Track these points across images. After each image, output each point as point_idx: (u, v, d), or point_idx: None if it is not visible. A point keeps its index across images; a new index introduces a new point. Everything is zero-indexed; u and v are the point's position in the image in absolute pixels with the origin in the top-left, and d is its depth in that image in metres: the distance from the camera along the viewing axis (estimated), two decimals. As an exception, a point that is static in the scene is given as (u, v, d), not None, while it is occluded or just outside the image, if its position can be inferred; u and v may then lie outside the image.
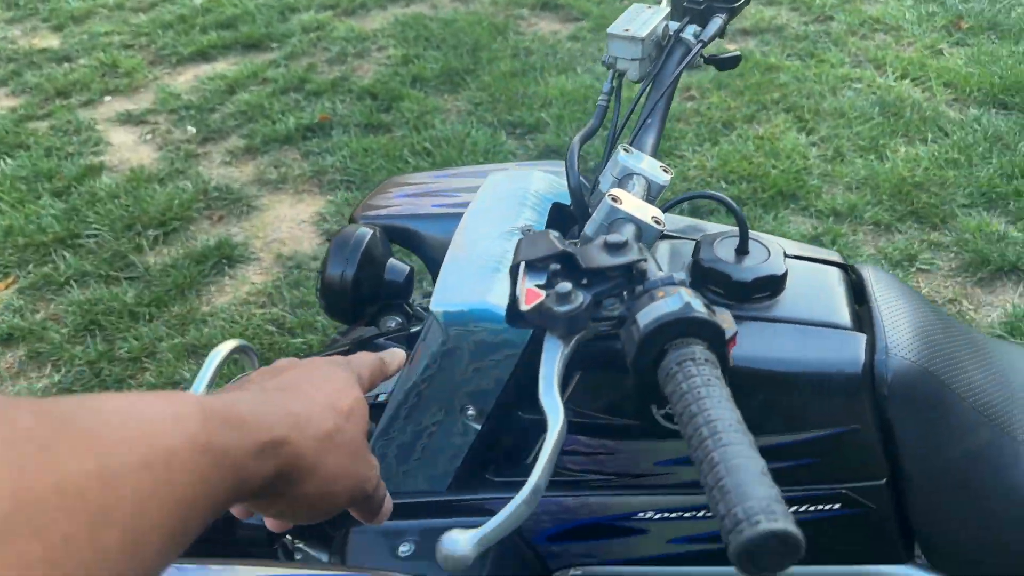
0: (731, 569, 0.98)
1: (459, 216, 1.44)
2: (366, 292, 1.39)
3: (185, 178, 3.52)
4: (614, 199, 0.90)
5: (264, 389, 0.58)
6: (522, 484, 0.99)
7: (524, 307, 0.71)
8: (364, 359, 0.70)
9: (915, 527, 0.95)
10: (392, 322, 1.46)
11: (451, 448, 1.02)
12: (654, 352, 0.64)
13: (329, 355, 0.69)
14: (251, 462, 0.48)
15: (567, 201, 1.16)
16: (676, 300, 0.65)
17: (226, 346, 1.52)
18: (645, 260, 0.72)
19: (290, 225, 3.27)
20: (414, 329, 1.45)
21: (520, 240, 0.80)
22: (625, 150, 1.03)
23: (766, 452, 0.59)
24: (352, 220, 1.55)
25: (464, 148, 3.53)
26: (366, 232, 1.39)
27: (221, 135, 3.84)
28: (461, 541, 0.61)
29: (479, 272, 0.98)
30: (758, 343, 0.90)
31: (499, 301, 0.94)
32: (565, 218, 1.13)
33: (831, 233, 2.95)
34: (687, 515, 0.98)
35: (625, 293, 0.73)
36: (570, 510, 1.02)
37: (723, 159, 3.37)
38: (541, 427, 0.81)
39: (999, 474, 0.92)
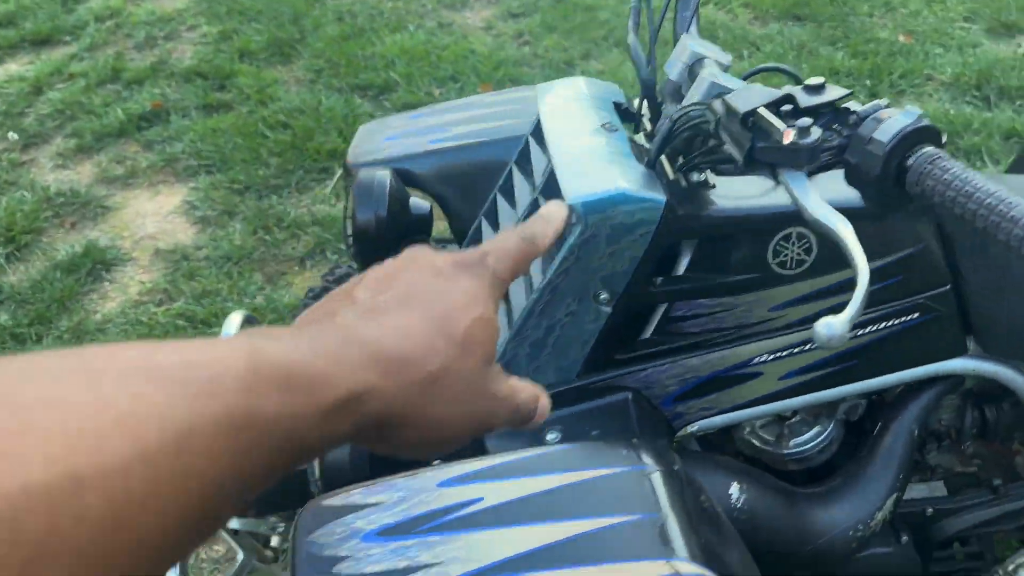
0: (835, 392, 1.14)
1: (459, 148, 1.50)
2: (395, 232, 1.41)
3: (19, 188, 3.20)
4: (712, 74, 1.01)
5: (358, 316, 0.46)
6: (645, 356, 1.09)
7: (785, 142, 0.79)
8: (506, 246, 0.54)
9: (973, 321, 1.15)
10: (417, 259, 1.49)
11: (583, 336, 1.09)
12: (896, 161, 0.76)
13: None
14: (317, 425, 0.39)
15: (619, 99, 1.25)
16: (907, 116, 0.77)
17: (235, 319, 1.49)
18: (850, 94, 0.84)
19: (156, 219, 3.08)
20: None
21: (723, 98, 0.88)
22: (688, 38, 1.14)
23: (871, 274, 0.74)
24: (346, 169, 1.55)
25: (321, 116, 3.46)
26: (386, 174, 1.40)
27: (43, 138, 3.51)
28: (836, 324, 0.70)
29: (598, 164, 1.05)
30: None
31: (629, 185, 1.02)
32: (623, 115, 1.23)
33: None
34: (796, 351, 1.13)
35: (837, 125, 0.84)
36: (693, 369, 1.13)
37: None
38: (660, 300, 0.92)
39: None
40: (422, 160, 1.51)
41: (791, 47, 3.81)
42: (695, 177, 1.07)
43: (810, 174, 0.83)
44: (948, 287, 1.12)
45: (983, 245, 1.11)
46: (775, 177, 0.86)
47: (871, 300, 1.00)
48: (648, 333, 1.12)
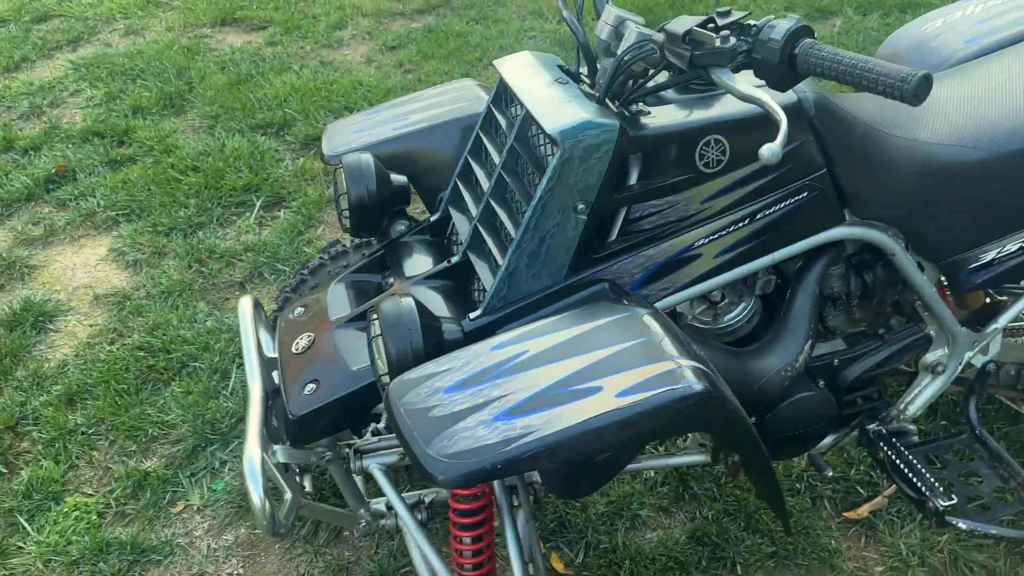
0: (751, 265, 1.49)
1: (420, 132, 1.79)
2: (382, 203, 1.69)
3: (-64, 259, 3.23)
4: (637, 27, 1.36)
5: None
6: (614, 253, 1.41)
7: (716, 45, 1.14)
8: None
9: (846, 194, 1.53)
10: (401, 226, 1.76)
11: (567, 242, 1.40)
12: (788, 51, 1.12)
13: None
14: None
15: (560, 63, 1.58)
16: (790, 20, 1.13)
17: (245, 303, 1.72)
18: (749, 14, 1.20)
19: (87, 270, 3.18)
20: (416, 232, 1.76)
21: (664, 27, 1.23)
22: (610, 7, 1.48)
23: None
24: (325, 161, 1.81)
25: (227, 156, 3.65)
26: (368, 156, 1.69)
27: (-53, 211, 3.53)
28: (774, 147, 1.04)
29: (563, 105, 1.37)
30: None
31: (590, 116, 1.34)
32: (565, 74, 1.55)
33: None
34: (724, 232, 1.47)
35: (743, 36, 1.19)
36: (651, 257, 1.45)
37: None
38: (620, 204, 1.26)
39: (881, 146, 1.53)
40: (391, 144, 1.80)
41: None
42: (633, 108, 1.41)
43: (732, 71, 1.18)
44: (824, 170, 1.50)
45: (846, 134, 1.50)
46: (708, 77, 1.21)
47: (770, 186, 1.37)
48: (614, 235, 1.45)
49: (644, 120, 1.39)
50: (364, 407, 1.47)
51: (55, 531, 2.18)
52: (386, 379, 1.31)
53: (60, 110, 4.22)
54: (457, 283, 1.57)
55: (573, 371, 1.15)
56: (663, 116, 1.40)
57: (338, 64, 4.46)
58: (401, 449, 1.65)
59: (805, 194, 1.50)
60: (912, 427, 1.87)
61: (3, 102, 4.32)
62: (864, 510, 2.10)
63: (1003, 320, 1.81)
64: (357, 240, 2.07)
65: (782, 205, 1.49)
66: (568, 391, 1.12)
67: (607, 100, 1.41)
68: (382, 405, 1.49)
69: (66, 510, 2.24)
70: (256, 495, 1.35)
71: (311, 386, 1.48)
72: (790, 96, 1.46)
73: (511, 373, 1.16)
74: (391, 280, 1.75)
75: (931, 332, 1.77)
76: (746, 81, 1.21)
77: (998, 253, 1.66)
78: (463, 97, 1.89)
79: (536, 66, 1.53)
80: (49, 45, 4.86)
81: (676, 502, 2.18)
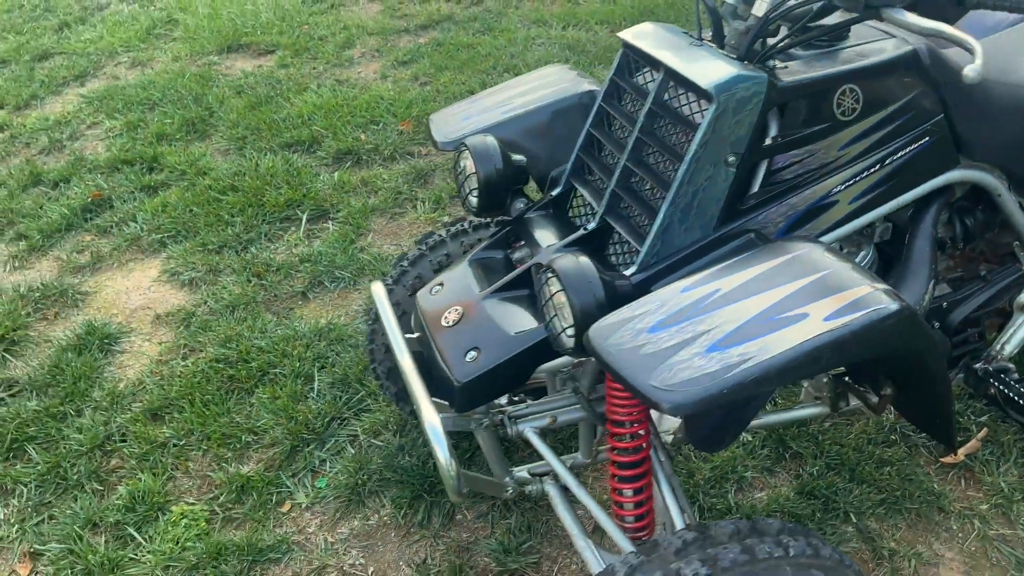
0: (885, 207, 1.57)
1: (527, 114, 1.86)
2: (507, 180, 1.75)
3: (-13, 292, 3.21)
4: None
5: None
6: (759, 204, 1.48)
7: None
8: None
9: (961, 138, 1.63)
10: (521, 203, 1.82)
11: (717, 195, 1.47)
12: None
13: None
14: None
15: (680, 30, 1.66)
16: None
17: (378, 289, 1.78)
18: None
19: (141, 292, 3.19)
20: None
21: None
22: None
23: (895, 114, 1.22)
24: (439, 148, 1.87)
25: (263, 174, 3.68)
26: (491, 137, 1.74)
27: (-13, 246, 3.51)
28: (975, 67, 1.12)
29: (709, 62, 1.45)
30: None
31: (741, 70, 1.42)
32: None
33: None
34: (860, 177, 1.56)
35: None
36: (793, 206, 1.53)
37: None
38: (766, 155, 1.35)
39: (988, 93, 1.63)
40: (501, 127, 1.86)
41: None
42: (770, 64, 1.49)
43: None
44: (941, 115, 1.60)
45: (958, 81, 1.60)
46: (880, 16, 1.29)
47: (897, 132, 1.46)
48: (756, 187, 1.52)
49: (784, 74, 1.47)
50: (527, 369, 1.53)
51: (167, 539, 2.19)
52: (570, 332, 1.37)
53: (81, 142, 4.22)
54: (591, 249, 1.63)
55: (775, 301, 1.21)
56: (800, 70, 1.48)
57: (354, 81, 4.52)
58: (551, 412, 1.71)
59: (927, 139, 1.59)
60: (1011, 365, 1.96)
61: (20, 139, 4.31)
62: (961, 454, 2.18)
63: None
64: (454, 227, 2.12)
65: (908, 150, 1.58)
66: (775, 319, 1.18)
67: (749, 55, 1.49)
68: (546, 366, 1.54)
69: (173, 519, 2.25)
70: (443, 458, 1.40)
71: (472, 353, 1.52)
72: (906, 46, 1.55)
73: (711, 309, 1.23)
74: (518, 255, 1.80)
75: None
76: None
77: None
78: (560, 80, 1.96)
79: (664, 33, 1.60)
80: (56, 81, 4.86)
81: (778, 462, 2.25)
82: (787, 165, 1.52)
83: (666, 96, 1.55)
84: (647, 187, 1.56)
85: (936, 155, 1.62)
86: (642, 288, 1.45)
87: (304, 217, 3.43)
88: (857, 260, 1.72)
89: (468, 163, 1.75)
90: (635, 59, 1.65)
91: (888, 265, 1.76)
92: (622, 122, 1.65)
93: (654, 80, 1.57)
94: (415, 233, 3.34)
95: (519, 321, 1.55)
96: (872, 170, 1.56)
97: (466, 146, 1.74)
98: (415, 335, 1.75)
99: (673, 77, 1.51)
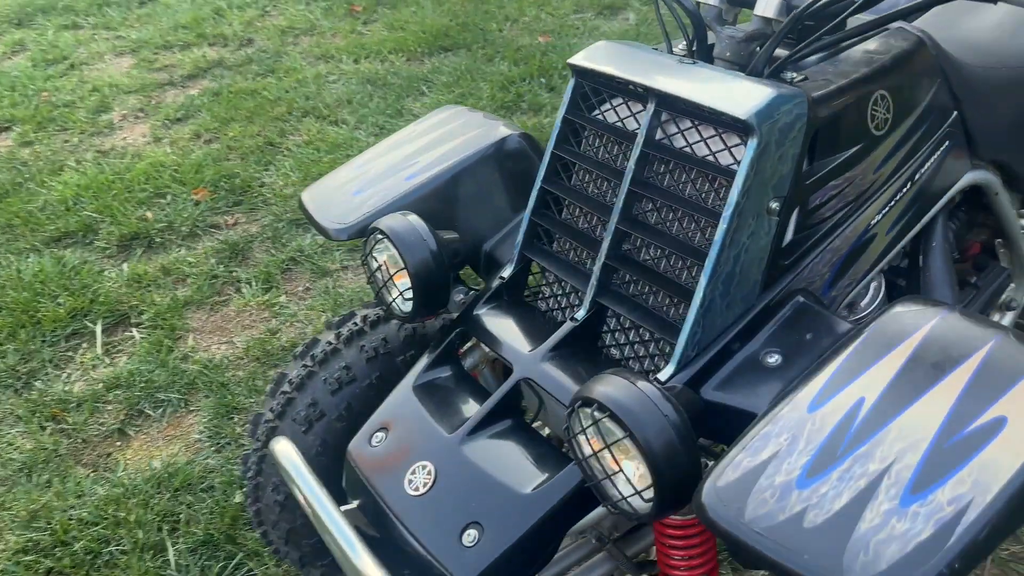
0: (918, 227, 1.30)
1: (440, 174, 1.42)
2: (446, 265, 1.31)
3: None
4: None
5: None
6: (802, 254, 1.14)
7: None
8: None
9: (971, 134, 1.38)
10: (459, 294, 1.38)
11: (760, 253, 1.11)
12: None
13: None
14: None
15: (644, 46, 1.28)
16: None
17: (285, 447, 1.29)
18: None
19: None
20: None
21: None
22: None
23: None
24: (331, 238, 1.38)
25: (31, 282, 2.92)
26: (412, 215, 1.30)
27: None
28: None
29: (724, 84, 1.08)
30: None
31: (774, 89, 1.07)
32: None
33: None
34: (895, 200, 1.26)
35: None
36: (835, 250, 1.20)
37: (304, 171, 3.43)
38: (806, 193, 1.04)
39: (987, 80, 1.40)
40: (413, 199, 1.40)
41: (459, 73, 4.06)
42: (788, 77, 1.15)
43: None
44: (956, 113, 1.34)
45: (962, 71, 1.35)
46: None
47: (922, 139, 1.18)
48: (790, 235, 1.18)
49: (813, 88, 1.13)
50: (556, 537, 1.09)
51: None
52: (647, 495, 0.94)
53: None
54: (582, 347, 1.22)
55: (949, 407, 0.86)
56: (826, 80, 1.16)
57: (121, 150, 3.78)
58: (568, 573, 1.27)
59: (947, 143, 1.33)
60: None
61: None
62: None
63: None
64: (345, 328, 1.62)
65: (934, 158, 1.31)
66: (966, 434, 0.83)
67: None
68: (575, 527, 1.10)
69: None
70: None
71: (472, 533, 1.06)
72: (912, 35, 1.28)
73: (869, 435, 0.85)
74: (469, 363, 1.35)
75: (1009, 269, 1.68)
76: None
77: None
78: (466, 126, 1.52)
79: (632, 51, 1.22)
80: None
81: None
82: (825, 202, 1.18)
83: (659, 134, 1.16)
84: (654, 254, 1.17)
85: (956, 159, 1.36)
86: (688, 396, 1.06)
87: (98, 329, 2.73)
88: (870, 295, 1.43)
89: (388, 255, 1.28)
90: (596, 90, 1.26)
91: (892, 289, 1.49)
92: (596, 172, 1.25)
93: (635, 114, 1.19)
94: (248, 324, 2.74)
95: (527, 470, 1.10)
96: (904, 190, 1.27)
97: (383, 232, 1.26)
98: (352, 505, 1.25)
99: (670, 107, 1.13)
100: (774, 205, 1.10)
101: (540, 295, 1.34)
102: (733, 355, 1.11)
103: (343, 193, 1.43)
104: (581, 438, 0.98)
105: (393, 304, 1.30)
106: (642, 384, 0.95)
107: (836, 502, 0.81)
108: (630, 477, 0.95)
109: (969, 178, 1.41)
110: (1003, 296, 1.72)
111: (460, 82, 4.00)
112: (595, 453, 0.96)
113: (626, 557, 1.24)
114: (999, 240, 1.66)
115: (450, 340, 1.30)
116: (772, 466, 0.85)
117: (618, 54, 1.22)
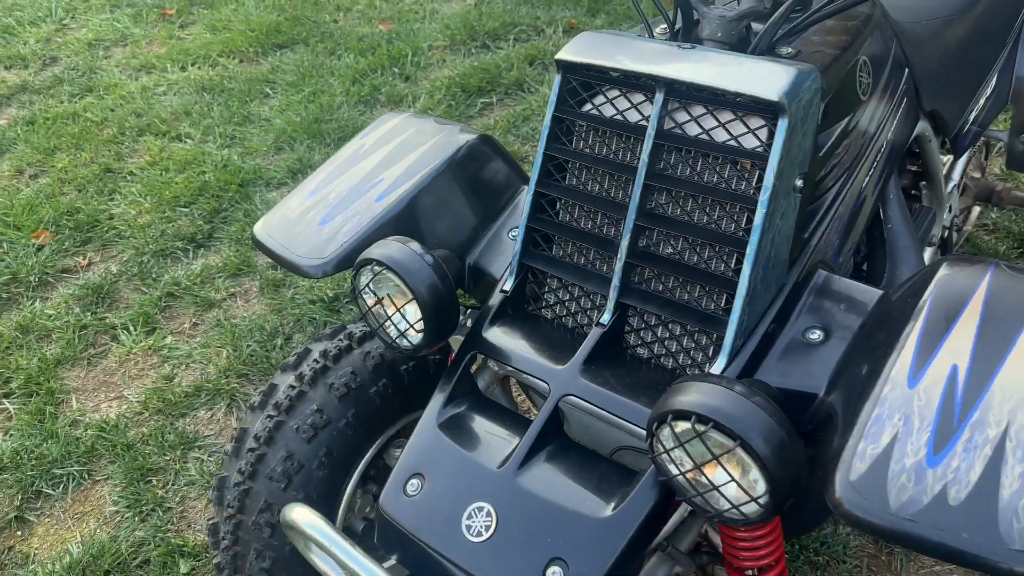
0: (891, 184, 1.34)
1: (411, 189, 1.33)
2: (455, 297, 1.22)
3: None
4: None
5: None
6: (816, 226, 1.16)
7: None
8: None
9: (919, 94, 1.44)
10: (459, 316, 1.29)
11: (788, 231, 1.10)
12: None
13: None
14: None
15: (629, 33, 1.23)
16: None
17: (302, 513, 1.19)
18: None
19: None
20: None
21: None
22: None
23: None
24: (308, 276, 1.25)
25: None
26: (412, 242, 1.20)
27: None
28: None
29: (740, 66, 1.05)
30: None
31: (793, 67, 1.05)
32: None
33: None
34: (876, 161, 1.29)
35: None
36: (839, 217, 1.22)
37: (156, 196, 3.14)
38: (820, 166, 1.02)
39: (918, 33, 1.46)
40: (385, 218, 1.29)
41: (303, 70, 3.85)
42: (783, 52, 1.14)
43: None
44: (907, 69, 1.39)
45: (905, 28, 1.40)
46: None
47: (888, 98, 1.22)
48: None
49: (812, 61, 1.13)
50: (640, 558, 1.04)
51: None
52: (762, 499, 0.91)
53: None
54: (608, 352, 1.18)
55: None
56: (819, 53, 1.16)
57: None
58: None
59: (905, 100, 1.38)
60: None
61: None
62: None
63: (956, 175, 1.90)
64: (308, 365, 1.49)
65: (897, 116, 1.35)
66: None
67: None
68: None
69: None
70: None
71: (556, 571, 1.00)
72: (870, 1, 1.31)
73: (976, 401, 0.86)
74: (483, 382, 1.27)
75: (934, 209, 1.79)
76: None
77: (975, 112, 1.71)
78: (423, 134, 1.42)
79: (622, 41, 1.16)
80: None
81: None
82: (829, 172, 1.19)
83: (668, 123, 1.12)
84: (678, 246, 1.14)
85: (909, 112, 1.41)
86: (767, 389, 1.04)
87: None
88: (857, 251, 1.47)
89: (392, 286, 1.17)
90: (586, 84, 1.20)
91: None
92: (597, 169, 1.19)
93: (637, 105, 1.14)
94: (136, 374, 2.49)
95: (596, 492, 1.05)
96: (882, 149, 1.30)
97: (383, 263, 1.15)
98: (392, 561, 1.14)
99: (679, 95, 1.09)
100: (799, 183, 1.09)
101: (544, 303, 1.27)
102: (775, 338, 1.10)
103: (306, 224, 1.29)
104: (677, 453, 0.93)
105: (397, 339, 1.19)
106: (737, 387, 0.91)
107: (971, 474, 0.81)
108: (751, 486, 0.92)
109: (919, 128, 1.47)
110: (930, 233, 1.82)
111: (307, 80, 3.79)
112: (698, 467, 0.92)
113: (685, 555, 1.21)
114: (922, 183, 1.75)
115: (465, 366, 1.21)
116: (898, 449, 0.84)
117: (609, 44, 1.16)
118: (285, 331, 2.54)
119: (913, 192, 1.78)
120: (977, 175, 2.27)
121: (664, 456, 0.94)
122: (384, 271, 1.15)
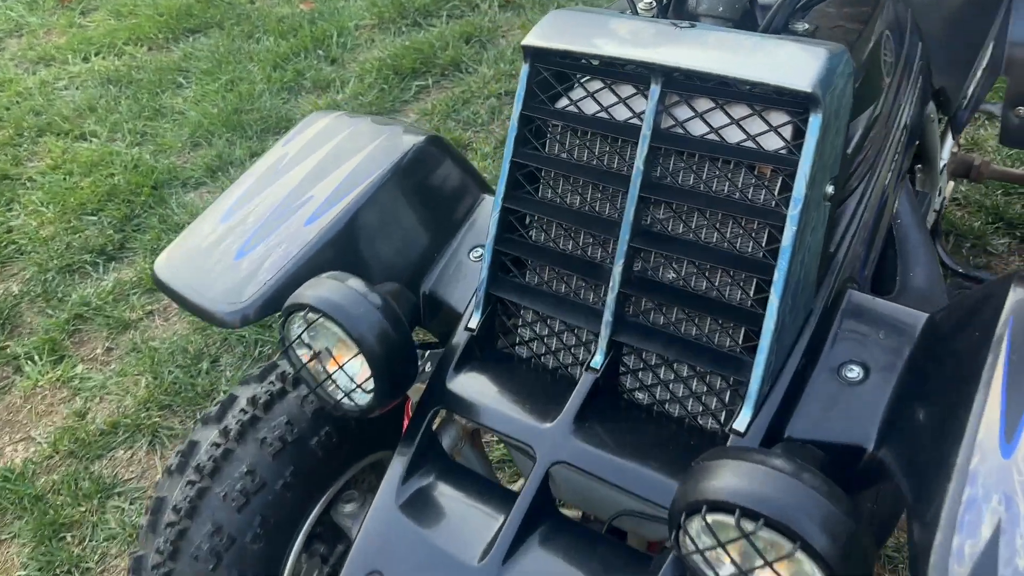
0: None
1: (351, 205, 1.10)
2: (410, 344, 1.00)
3: None
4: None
5: None
6: (843, 236, 0.97)
7: None
8: None
9: (931, 70, 1.26)
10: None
11: (816, 248, 0.90)
12: None
13: None
14: None
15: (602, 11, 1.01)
16: None
17: None
18: None
19: None
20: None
21: None
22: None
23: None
24: (227, 326, 1.01)
25: None
26: (353, 279, 0.97)
27: None
28: None
29: (757, 50, 0.85)
30: None
31: (823, 49, 0.85)
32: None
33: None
34: (897, 153, 1.10)
35: None
36: (866, 224, 1.03)
37: (60, 203, 2.82)
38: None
39: (929, 8, 1.28)
40: (319, 245, 1.06)
41: (219, 56, 3.53)
42: (801, 28, 0.94)
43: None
44: (921, 44, 1.20)
45: (926, 2, 1.22)
46: None
47: (906, 76, 1.04)
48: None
49: (835, 39, 0.93)
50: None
51: None
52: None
53: None
54: (601, 403, 0.97)
55: None
56: (841, 29, 0.96)
57: None
58: None
59: (920, 78, 1.19)
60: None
61: None
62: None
63: (947, 155, 1.74)
64: (233, 420, 1.25)
65: (914, 96, 1.16)
66: None
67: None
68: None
69: None
70: None
71: None
72: None
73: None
74: (447, 441, 1.05)
75: (929, 194, 1.63)
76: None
77: (973, 85, 1.55)
78: (359, 136, 1.18)
79: (602, 20, 0.94)
80: None
81: None
82: (855, 170, 1.00)
83: (666, 121, 0.91)
84: (681, 270, 0.93)
85: (925, 92, 1.23)
86: (814, 455, 0.85)
87: None
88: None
89: (328, 339, 0.93)
90: (561, 75, 0.97)
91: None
92: (580, 179, 0.97)
93: (626, 100, 0.92)
94: (45, 410, 2.20)
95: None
96: (902, 138, 1.12)
97: (318, 310, 0.91)
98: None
99: (680, 86, 0.88)
100: (829, 189, 0.89)
101: (519, 339, 1.05)
102: (806, 377, 0.91)
103: (220, 257, 1.05)
104: (714, 554, 0.73)
105: (340, 401, 0.96)
106: (781, 462, 0.71)
107: None
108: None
109: (928, 108, 1.29)
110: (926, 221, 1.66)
111: (223, 67, 3.48)
112: (745, 574, 0.72)
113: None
114: (919, 166, 1.59)
115: (427, 426, 0.98)
116: (1005, 545, 0.66)
117: (587, 25, 0.94)
118: (211, 353, 2.27)
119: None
120: (955, 150, 2.12)
121: (696, 556, 0.74)
122: (321, 319, 0.92)
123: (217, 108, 3.20)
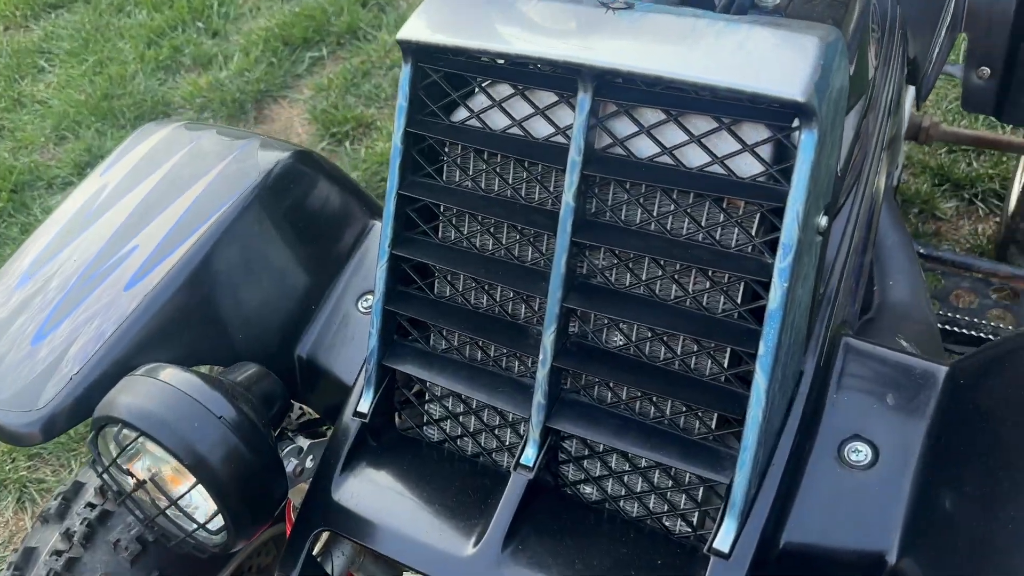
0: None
1: (190, 262, 0.83)
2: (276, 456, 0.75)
3: None
4: None
5: None
6: (831, 271, 0.78)
7: None
8: None
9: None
10: (291, 462, 0.82)
11: (806, 297, 0.69)
12: None
13: None
14: None
15: None
16: None
17: None
18: None
19: None
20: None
21: None
22: None
23: None
24: (22, 444, 0.74)
25: None
26: (183, 373, 0.71)
27: None
28: None
29: (736, 37, 0.61)
30: None
31: (814, 36, 0.62)
32: None
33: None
34: (882, 157, 0.89)
35: None
36: (856, 249, 0.81)
37: None
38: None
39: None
40: (144, 319, 0.80)
41: (86, 35, 3.14)
42: (767, 4, 0.71)
43: None
44: (902, 30, 0.99)
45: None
46: None
47: (887, 63, 0.85)
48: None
49: (814, 17, 0.70)
50: None
51: None
52: None
53: None
54: (538, 507, 0.74)
55: None
56: (818, 4, 0.73)
57: None
58: None
59: (901, 55, 0.98)
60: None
61: None
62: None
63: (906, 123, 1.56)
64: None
65: (896, 80, 0.95)
66: None
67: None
68: None
69: None
70: None
71: None
72: None
73: None
74: (358, 560, 0.81)
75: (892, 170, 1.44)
76: None
77: (937, 47, 1.36)
78: (202, 156, 0.90)
79: (505, 3, 0.69)
80: None
81: None
82: (843, 188, 0.78)
83: (601, 139, 0.67)
84: (632, 334, 0.70)
85: (903, 67, 1.03)
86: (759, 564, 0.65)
87: None
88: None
89: (155, 461, 0.68)
90: (455, 77, 0.72)
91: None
92: (488, 217, 0.73)
93: (543, 110, 0.68)
94: None
95: None
96: (884, 140, 0.90)
97: (135, 428, 0.66)
98: None
99: (618, 93, 0.64)
100: (823, 221, 0.67)
101: (427, 418, 0.81)
102: (803, 467, 0.70)
103: (12, 343, 0.77)
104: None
105: (189, 539, 0.71)
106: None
107: None
108: None
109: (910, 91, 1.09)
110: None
111: (91, 46, 3.09)
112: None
113: None
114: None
115: (306, 556, 0.74)
116: None
117: (486, 9, 0.68)
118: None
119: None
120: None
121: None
122: (141, 439, 0.66)
123: (84, 94, 2.83)
